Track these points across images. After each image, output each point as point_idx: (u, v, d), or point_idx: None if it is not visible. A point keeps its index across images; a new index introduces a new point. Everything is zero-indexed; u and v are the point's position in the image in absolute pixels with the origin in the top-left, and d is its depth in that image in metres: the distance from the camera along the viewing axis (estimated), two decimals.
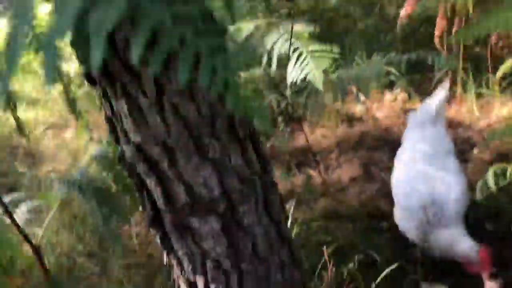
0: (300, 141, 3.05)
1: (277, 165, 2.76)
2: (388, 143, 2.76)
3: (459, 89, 3.02)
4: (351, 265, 1.55)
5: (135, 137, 0.96)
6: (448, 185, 1.60)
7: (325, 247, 1.55)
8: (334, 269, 1.50)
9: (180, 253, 1.06)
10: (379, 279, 1.52)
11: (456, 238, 1.53)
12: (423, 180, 1.64)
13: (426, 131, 1.80)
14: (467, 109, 2.95)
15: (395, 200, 1.76)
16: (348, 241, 1.73)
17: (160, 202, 1.01)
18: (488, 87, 2.98)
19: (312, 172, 2.71)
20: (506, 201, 1.73)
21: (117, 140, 1.03)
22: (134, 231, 2.02)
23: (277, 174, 2.58)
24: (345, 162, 2.78)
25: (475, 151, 2.49)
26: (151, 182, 1.00)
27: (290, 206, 2.12)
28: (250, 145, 1.04)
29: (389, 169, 2.44)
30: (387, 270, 1.53)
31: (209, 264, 1.04)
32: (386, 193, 2.15)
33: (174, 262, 1.09)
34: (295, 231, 1.77)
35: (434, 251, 1.61)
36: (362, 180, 2.52)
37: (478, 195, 1.78)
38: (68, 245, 2.18)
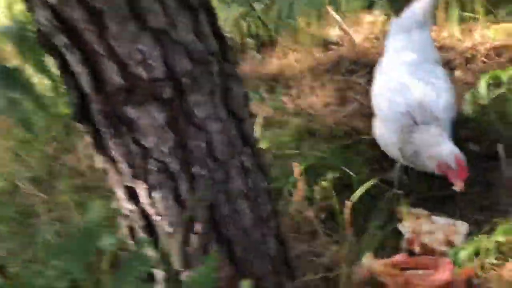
0: (272, 66, 2.85)
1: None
2: (365, 66, 2.56)
3: (441, 13, 2.84)
4: (324, 183, 1.38)
5: None
6: (438, 91, 1.45)
7: (295, 164, 1.37)
8: (305, 187, 1.33)
9: (115, 153, 0.85)
10: (353, 198, 1.36)
11: (438, 139, 1.41)
12: (409, 86, 1.48)
13: (413, 37, 1.62)
14: (449, 33, 2.77)
15: (376, 111, 1.61)
16: (322, 160, 1.56)
17: (87, 87, 0.79)
18: (472, 11, 2.80)
19: (285, 99, 2.52)
20: (495, 117, 1.58)
21: (31, 7, 0.79)
22: (82, 153, 1.81)
23: None
24: (319, 87, 2.59)
25: (457, 73, 2.34)
26: (74, 60, 0.78)
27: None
28: (205, 17, 0.82)
29: (367, 92, 2.26)
30: (361, 189, 1.37)
31: (152, 167, 0.84)
32: (363, 113, 1.99)
33: (109, 166, 0.88)
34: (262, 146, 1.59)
35: (413, 161, 1.47)
36: (337, 105, 2.35)
37: (466, 109, 1.62)
38: (12, 171, 1.97)
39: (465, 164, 1.38)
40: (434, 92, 1.45)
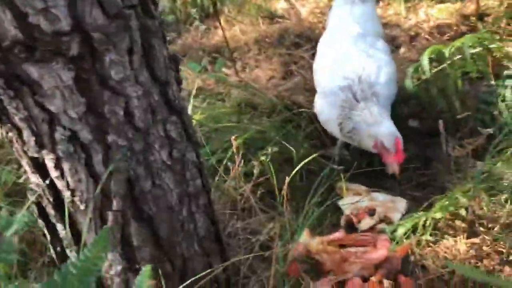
0: (216, 37, 2.74)
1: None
2: (310, 40, 2.52)
3: None
4: (263, 157, 1.31)
5: None
6: (379, 65, 1.42)
7: (233, 137, 1.29)
8: (242, 161, 1.25)
9: (17, 119, 0.73)
10: (292, 174, 1.30)
11: (379, 119, 1.38)
12: (351, 59, 1.44)
13: (355, 9, 1.57)
14: (395, 11, 2.77)
15: (317, 86, 1.55)
16: (262, 133, 1.49)
17: None
18: None
19: (228, 71, 2.44)
20: (436, 93, 1.57)
21: None
22: None
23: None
24: (264, 60, 2.52)
25: (401, 50, 2.34)
26: None
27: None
28: None
29: (311, 66, 2.22)
30: (301, 165, 1.32)
31: (59, 135, 0.73)
32: (306, 88, 1.94)
33: (12, 134, 0.76)
34: (197, 118, 1.50)
35: (352, 137, 1.44)
36: (280, 78, 2.29)
37: (408, 84, 1.60)
38: None
39: (402, 148, 1.37)
40: (375, 66, 1.41)
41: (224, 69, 2.49)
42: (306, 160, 1.33)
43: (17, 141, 0.77)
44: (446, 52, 1.50)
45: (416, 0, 2.78)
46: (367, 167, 1.58)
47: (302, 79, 2.00)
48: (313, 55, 2.28)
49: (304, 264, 1.18)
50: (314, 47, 2.35)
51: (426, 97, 1.62)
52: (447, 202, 1.36)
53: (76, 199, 0.78)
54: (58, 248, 0.88)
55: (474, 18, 2.37)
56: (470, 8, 2.46)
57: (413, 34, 2.47)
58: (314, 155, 1.39)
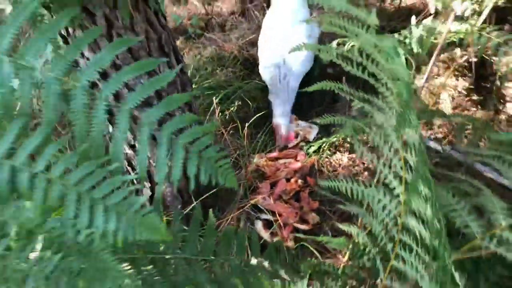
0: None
1: None
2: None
3: None
4: (232, 110, 2.15)
5: None
6: (297, 52, 2.16)
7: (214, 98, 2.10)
8: (220, 113, 2.09)
9: None
10: (250, 122, 2.17)
11: (281, 115, 2.13)
12: (279, 43, 2.11)
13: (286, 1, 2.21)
14: None
15: (260, 56, 2.26)
16: (230, 89, 2.28)
17: None
18: None
19: (196, 2, 3.06)
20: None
21: None
22: None
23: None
24: None
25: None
26: None
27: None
28: None
29: (263, 9, 2.91)
30: (256, 116, 2.17)
31: None
32: (257, 39, 2.66)
33: None
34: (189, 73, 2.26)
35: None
36: (240, 16, 2.96)
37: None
38: None
39: (291, 137, 2.12)
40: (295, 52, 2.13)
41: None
42: (258, 115, 2.18)
43: None
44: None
45: None
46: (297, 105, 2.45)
47: (256, 28, 2.71)
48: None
49: (255, 173, 2.11)
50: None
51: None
52: (342, 131, 2.28)
53: None
54: None
55: None
56: None
57: None
58: (264, 113, 2.23)
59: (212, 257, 1.14)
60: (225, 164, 0.79)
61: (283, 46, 2.15)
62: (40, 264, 0.64)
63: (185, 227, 1.33)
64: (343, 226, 1.21)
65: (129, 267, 1.05)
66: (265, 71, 2.21)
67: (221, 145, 2.14)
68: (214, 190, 1.66)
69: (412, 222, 0.96)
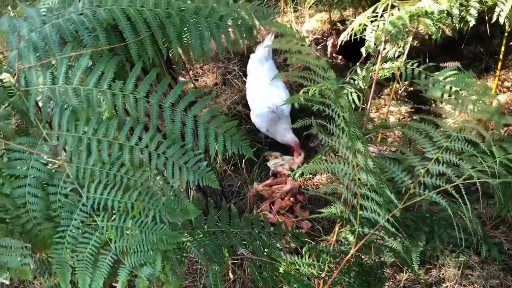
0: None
1: None
2: (237, 55, 3.84)
3: (282, 3, 4.16)
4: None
5: None
6: (282, 98, 2.82)
7: None
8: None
9: None
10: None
11: (285, 132, 2.78)
12: (267, 95, 2.79)
13: (264, 65, 2.95)
14: (288, 20, 4.11)
15: (252, 109, 2.94)
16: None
17: None
18: (302, 5, 4.19)
19: (182, 78, 3.73)
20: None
21: None
22: None
23: None
24: (208, 70, 3.83)
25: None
26: None
27: None
28: None
29: (240, 77, 3.61)
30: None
31: None
32: (241, 100, 3.33)
33: None
34: None
35: (274, 138, 2.90)
36: (222, 84, 3.64)
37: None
38: None
39: (299, 146, 2.78)
40: (280, 99, 2.79)
41: (180, 78, 3.78)
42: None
43: None
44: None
45: (303, 11, 4.18)
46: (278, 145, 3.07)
47: (238, 91, 3.38)
48: (240, 67, 3.65)
49: (255, 197, 2.67)
50: (241, 60, 3.73)
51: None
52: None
53: None
54: None
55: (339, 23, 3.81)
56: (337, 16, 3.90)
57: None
58: (252, 145, 2.84)
59: (244, 230, 1.69)
60: (244, 140, 1.37)
61: (268, 99, 2.81)
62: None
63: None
64: (325, 209, 1.76)
65: (189, 237, 1.60)
66: (258, 118, 2.87)
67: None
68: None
69: (363, 175, 1.53)
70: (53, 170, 1.17)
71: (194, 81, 3.72)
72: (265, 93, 2.85)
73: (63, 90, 1.16)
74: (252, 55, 3.12)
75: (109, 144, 1.19)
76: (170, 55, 1.59)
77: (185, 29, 1.37)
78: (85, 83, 1.20)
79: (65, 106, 1.17)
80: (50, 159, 1.18)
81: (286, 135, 2.79)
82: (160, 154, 1.22)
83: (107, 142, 1.18)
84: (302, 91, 2.96)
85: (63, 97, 1.17)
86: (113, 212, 1.18)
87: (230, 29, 1.45)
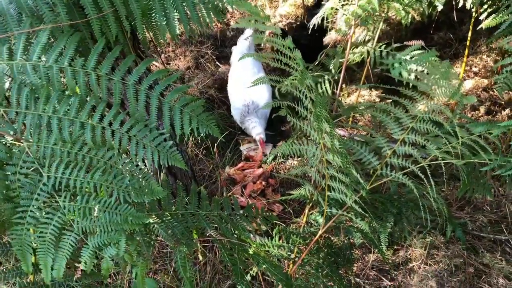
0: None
1: None
2: (211, 38, 3.80)
3: None
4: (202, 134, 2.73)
5: None
6: (261, 93, 2.79)
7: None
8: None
9: None
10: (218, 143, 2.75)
11: (254, 125, 2.74)
12: (246, 90, 2.77)
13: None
14: (261, 3, 4.07)
15: (231, 101, 2.90)
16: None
17: None
18: None
19: (156, 63, 3.68)
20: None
21: None
22: None
23: None
24: (180, 54, 3.78)
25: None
26: None
27: None
28: None
29: (213, 60, 3.57)
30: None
31: None
32: (214, 83, 3.30)
33: None
34: None
35: (245, 130, 2.88)
36: (195, 69, 3.61)
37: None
38: None
39: (264, 142, 2.75)
40: (259, 93, 2.78)
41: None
42: (224, 134, 2.77)
43: None
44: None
45: None
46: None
47: (210, 75, 3.35)
48: (213, 51, 3.62)
49: (227, 181, 2.67)
50: (214, 44, 3.69)
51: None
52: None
53: None
54: None
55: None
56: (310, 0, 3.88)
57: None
58: (229, 133, 2.83)
59: (214, 212, 1.68)
60: (211, 120, 1.35)
61: (248, 92, 2.78)
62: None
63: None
64: (295, 191, 1.76)
65: (156, 219, 1.58)
66: (236, 111, 2.85)
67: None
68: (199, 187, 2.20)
69: (330, 156, 1.53)
70: (12, 149, 1.14)
71: (166, 65, 3.68)
72: (243, 87, 2.81)
73: (21, 66, 1.12)
74: (233, 48, 3.10)
75: (71, 122, 1.16)
76: (138, 35, 1.57)
77: (150, 6, 1.34)
78: (45, 60, 1.16)
79: (24, 82, 1.14)
80: (10, 137, 1.15)
81: (252, 131, 2.76)
82: (124, 133, 1.20)
83: (68, 121, 1.16)
84: (289, 78, 2.96)
85: (21, 73, 1.13)
86: (75, 192, 1.16)
87: (197, 8, 1.43)
